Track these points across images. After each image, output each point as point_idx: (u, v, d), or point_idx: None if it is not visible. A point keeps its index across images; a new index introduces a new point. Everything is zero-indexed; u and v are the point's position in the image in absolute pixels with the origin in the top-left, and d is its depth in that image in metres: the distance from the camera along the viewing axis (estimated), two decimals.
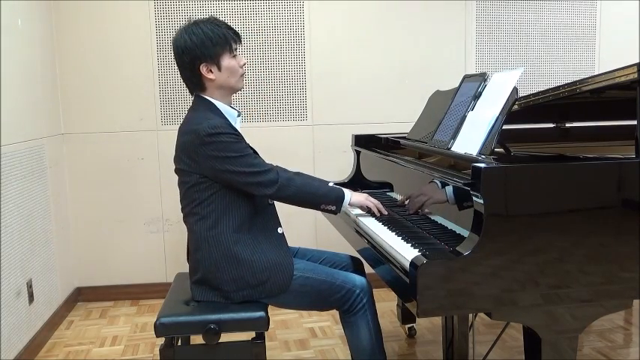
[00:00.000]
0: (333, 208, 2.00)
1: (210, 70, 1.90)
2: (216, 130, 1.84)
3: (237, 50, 1.96)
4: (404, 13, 3.52)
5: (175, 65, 1.95)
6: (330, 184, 2.05)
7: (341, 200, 1.99)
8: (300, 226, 3.43)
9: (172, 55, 1.95)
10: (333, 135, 3.50)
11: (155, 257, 3.49)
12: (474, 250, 1.46)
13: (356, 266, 2.21)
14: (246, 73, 2.16)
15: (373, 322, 1.94)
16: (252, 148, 1.96)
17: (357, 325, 1.94)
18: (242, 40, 2.01)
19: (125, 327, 3.10)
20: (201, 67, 1.90)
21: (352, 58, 3.51)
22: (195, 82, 1.95)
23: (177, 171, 1.95)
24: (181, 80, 1.99)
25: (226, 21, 1.97)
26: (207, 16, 1.96)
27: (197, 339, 1.90)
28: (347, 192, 2.01)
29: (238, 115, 2.01)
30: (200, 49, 1.88)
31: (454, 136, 2.03)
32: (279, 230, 2.00)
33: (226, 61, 1.91)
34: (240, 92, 2.16)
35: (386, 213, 2.11)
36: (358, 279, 1.96)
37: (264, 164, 1.90)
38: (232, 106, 2.02)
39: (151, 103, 3.36)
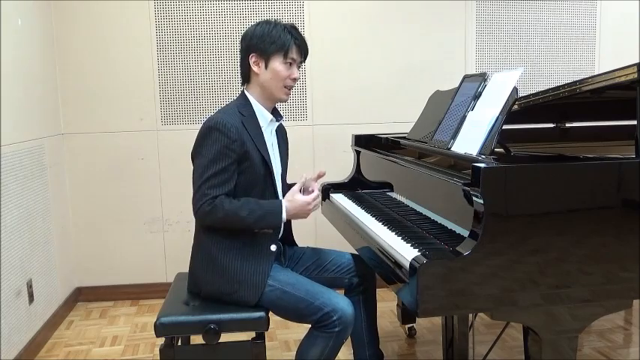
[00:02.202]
0: (271, 231, 1.94)
1: (258, 64, 1.94)
2: (217, 126, 1.85)
3: (295, 64, 1.96)
4: (404, 13, 3.52)
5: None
6: (268, 207, 1.90)
7: (274, 226, 1.92)
8: (300, 225, 3.41)
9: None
10: (333, 135, 3.50)
11: (155, 257, 3.49)
12: (474, 250, 1.46)
13: (359, 268, 2.14)
14: None
15: (330, 350, 1.84)
16: (267, 161, 1.93)
17: (314, 341, 1.85)
18: (303, 59, 2.00)
19: (125, 327, 3.10)
20: (250, 57, 1.95)
21: (352, 58, 3.51)
22: (243, 71, 2.00)
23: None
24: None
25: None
26: (290, 22, 1.99)
27: (197, 339, 1.90)
28: (283, 213, 1.89)
29: (277, 121, 2.04)
30: (257, 40, 1.93)
31: (454, 136, 2.03)
32: (272, 247, 1.93)
33: (276, 63, 1.93)
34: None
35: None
36: (342, 303, 1.84)
37: (209, 190, 1.82)
38: (277, 109, 2.04)
39: (151, 103, 3.36)
